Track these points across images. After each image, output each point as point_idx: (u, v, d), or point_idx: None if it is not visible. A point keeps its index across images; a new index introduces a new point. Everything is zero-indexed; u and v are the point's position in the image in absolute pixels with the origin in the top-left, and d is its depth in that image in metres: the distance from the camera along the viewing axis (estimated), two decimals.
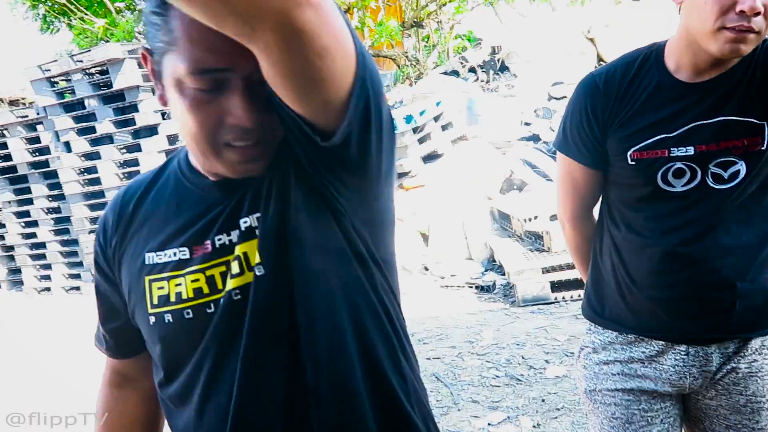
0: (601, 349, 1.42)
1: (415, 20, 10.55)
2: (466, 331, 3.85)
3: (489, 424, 2.80)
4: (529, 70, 7.94)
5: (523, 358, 3.40)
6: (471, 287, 4.68)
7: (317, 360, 0.78)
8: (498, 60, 8.33)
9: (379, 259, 0.85)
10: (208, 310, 0.79)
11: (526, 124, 6.76)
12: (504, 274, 4.54)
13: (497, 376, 3.23)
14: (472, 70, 8.48)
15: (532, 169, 5.42)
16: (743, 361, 1.32)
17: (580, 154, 1.37)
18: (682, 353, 1.33)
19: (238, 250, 0.78)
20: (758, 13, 1.07)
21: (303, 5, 0.58)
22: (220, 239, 0.79)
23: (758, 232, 1.28)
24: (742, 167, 1.22)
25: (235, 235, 0.79)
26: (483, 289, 4.57)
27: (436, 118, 6.26)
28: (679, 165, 1.24)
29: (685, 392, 1.39)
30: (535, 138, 6.40)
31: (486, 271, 4.84)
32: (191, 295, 0.80)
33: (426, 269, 5.05)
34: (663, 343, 1.34)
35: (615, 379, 1.39)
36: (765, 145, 1.22)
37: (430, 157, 6.15)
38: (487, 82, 8.16)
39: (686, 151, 1.23)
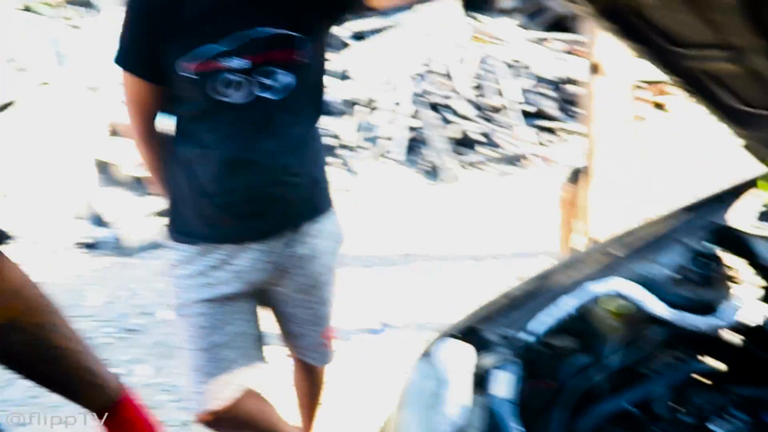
0: (184, 264, 1.43)
1: None
2: (73, 294, 3.45)
3: None
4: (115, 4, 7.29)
5: (138, 307, 3.23)
6: (80, 247, 4.20)
7: None
8: None
9: None
10: None
11: None
12: (112, 227, 4.20)
13: (110, 333, 3.00)
14: (47, 5, 7.36)
15: None
16: (302, 247, 1.47)
17: (138, 67, 1.33)
18: (252, 251, 1.42)
19: None
20: None
21: None
22: None
23: (304, 133, 1.42)
24: (288, 77, 1.31)
25: None
26: (91, 246, 4.15)
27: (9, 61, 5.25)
28: (229, 76, 1.27)
29: (261, 287, 1.50)
30: None
31: (94, 226, 4.40)
32: None
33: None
34: (235, 245, 1.41)
35: (198, 291, 1.43)
36: (304, 57, 1.32)
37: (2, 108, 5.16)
38: (72, 18, 7.21)
39: (235, 62, 1.26)
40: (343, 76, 6.07)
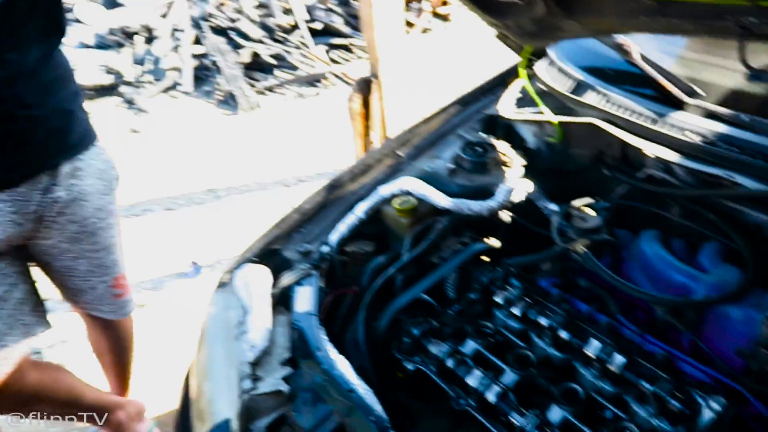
0: None
1: None
2: None
3: None
4: None
5: None
6: None
7: None
8: None
9: None
10: None
11: None
12: None
13: None
14: None
15: None
16: (61, 190, 1.29)
17: None
18: None
19: None
20: None
21: None
22: None
23: (34, 58, 1.20)
24: None
25: None
26: None
27: None
28: None
29: (19, 243, 1.29)
30: None
31: None
32: None
33: None
34: None
35: None
36: None
37: None
38: None
39: None
40: (113, 3, 5.40)
